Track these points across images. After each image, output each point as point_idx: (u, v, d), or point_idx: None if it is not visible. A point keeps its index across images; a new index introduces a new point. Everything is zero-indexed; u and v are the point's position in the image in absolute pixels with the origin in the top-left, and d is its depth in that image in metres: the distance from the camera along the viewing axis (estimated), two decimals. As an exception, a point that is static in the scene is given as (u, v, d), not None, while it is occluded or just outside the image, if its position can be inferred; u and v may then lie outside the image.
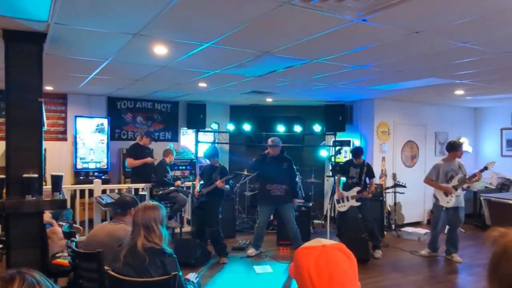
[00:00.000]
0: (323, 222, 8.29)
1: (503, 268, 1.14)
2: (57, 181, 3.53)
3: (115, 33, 3.55)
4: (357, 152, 6.37)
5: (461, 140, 8.79)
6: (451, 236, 6.05)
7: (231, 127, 8.82)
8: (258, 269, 5.52)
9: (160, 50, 4.07)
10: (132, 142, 7.71)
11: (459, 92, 6.75)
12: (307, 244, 1.21)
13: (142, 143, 7.40)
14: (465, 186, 6.08)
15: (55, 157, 7.62)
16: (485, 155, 9.08)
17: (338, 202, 6.40)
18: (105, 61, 4.71)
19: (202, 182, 5.98)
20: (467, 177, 5.88)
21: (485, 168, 5.82)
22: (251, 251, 6.10)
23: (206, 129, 8.96)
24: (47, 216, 4.10)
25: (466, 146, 8.98)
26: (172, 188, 6.78)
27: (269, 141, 6.04)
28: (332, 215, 7.44)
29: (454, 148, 6.00)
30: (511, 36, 3.42)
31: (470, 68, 4.78)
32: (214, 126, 8.78)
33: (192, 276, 2.88)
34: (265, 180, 6.07)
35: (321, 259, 1.13)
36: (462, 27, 3.17)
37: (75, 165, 7.71)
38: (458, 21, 3.03)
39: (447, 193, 5.91)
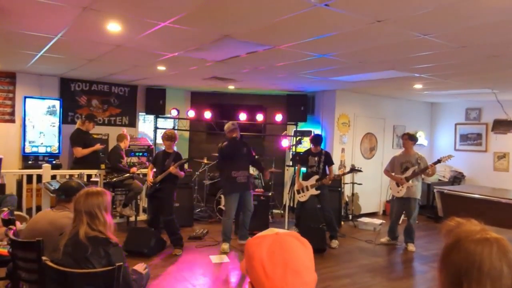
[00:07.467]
0: (282, 212, 8.27)
1: (453, 257, 1.13)
2: (-5, 164, 3.25)
3: (64, 6, 3.29)
4: (316, 139, 6.36)
5: (417, 134, 9.06)
6: (406, 227, 6.22)
7: (192, 113, 8.60)
8: (214, 259, 5.40)
9: (114, 27, 3.82)
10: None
11: (418, 86, 6.89)
12: (258, 234, 1.10)
13: (84, 128, 6.85)
14: (422, 177, 6.27)
15: (2, 140, 7.13)
16: (440, 148, 9.37)
17: (298, 192, 6.38)
18: (55, 37, 4.40)
19: (155, 169, 5.70)
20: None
21: (438, 161, 5.99)
22: (226, 246, 5.73)
23: (166, 115, 8.68)
24: (-15, 201, 3.81)
25: (422, 140, 9.25)
26: (127, 175, 6.51)
27: (229, 125, 5.79)
28: (291, 205, 7.43)
29: (401, 137, 6.46)
30: (467, 30, 3.46)
31: (428, 61, 4.84)
32: (174, 112, 8.49)
33: (140, 267, 2.73)
34: (230, 167, 5.73)
35: (275, 247, 1.03)
36: (422, 18, 3.17)
37: (24, 148, 7.23)
38: (419, 11, 3.02)
39: (398, 183, 6.07)
